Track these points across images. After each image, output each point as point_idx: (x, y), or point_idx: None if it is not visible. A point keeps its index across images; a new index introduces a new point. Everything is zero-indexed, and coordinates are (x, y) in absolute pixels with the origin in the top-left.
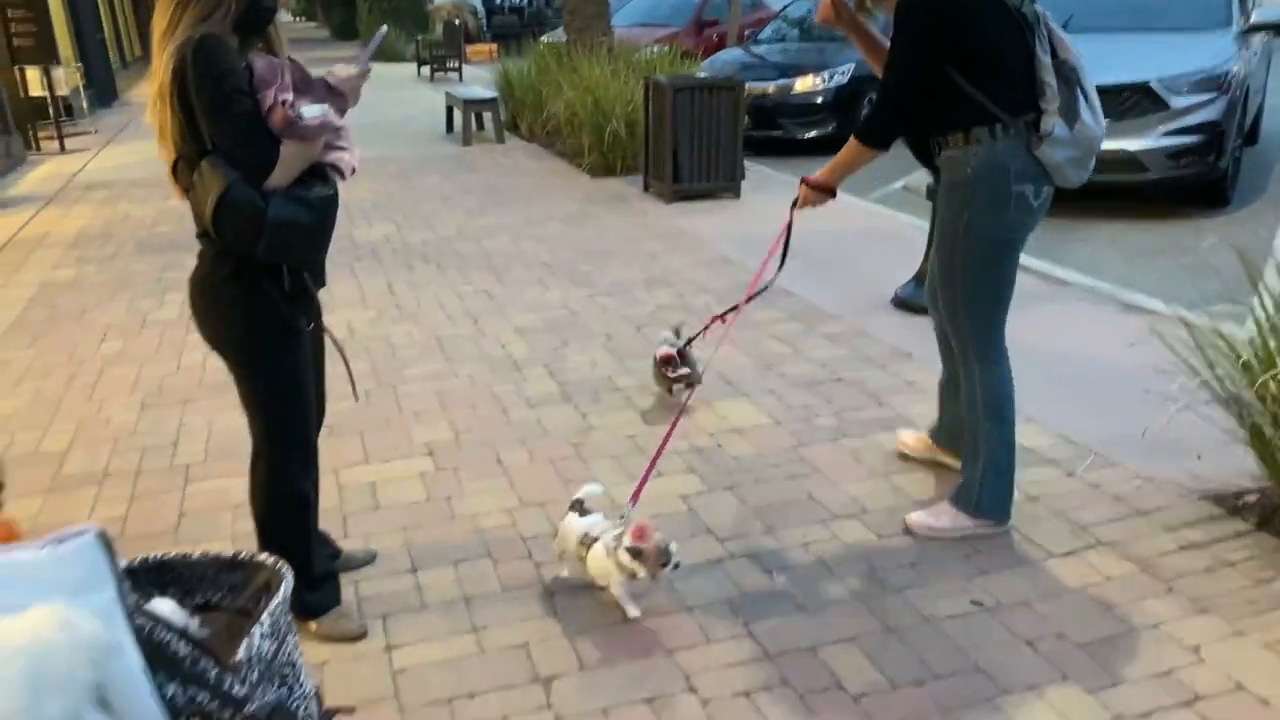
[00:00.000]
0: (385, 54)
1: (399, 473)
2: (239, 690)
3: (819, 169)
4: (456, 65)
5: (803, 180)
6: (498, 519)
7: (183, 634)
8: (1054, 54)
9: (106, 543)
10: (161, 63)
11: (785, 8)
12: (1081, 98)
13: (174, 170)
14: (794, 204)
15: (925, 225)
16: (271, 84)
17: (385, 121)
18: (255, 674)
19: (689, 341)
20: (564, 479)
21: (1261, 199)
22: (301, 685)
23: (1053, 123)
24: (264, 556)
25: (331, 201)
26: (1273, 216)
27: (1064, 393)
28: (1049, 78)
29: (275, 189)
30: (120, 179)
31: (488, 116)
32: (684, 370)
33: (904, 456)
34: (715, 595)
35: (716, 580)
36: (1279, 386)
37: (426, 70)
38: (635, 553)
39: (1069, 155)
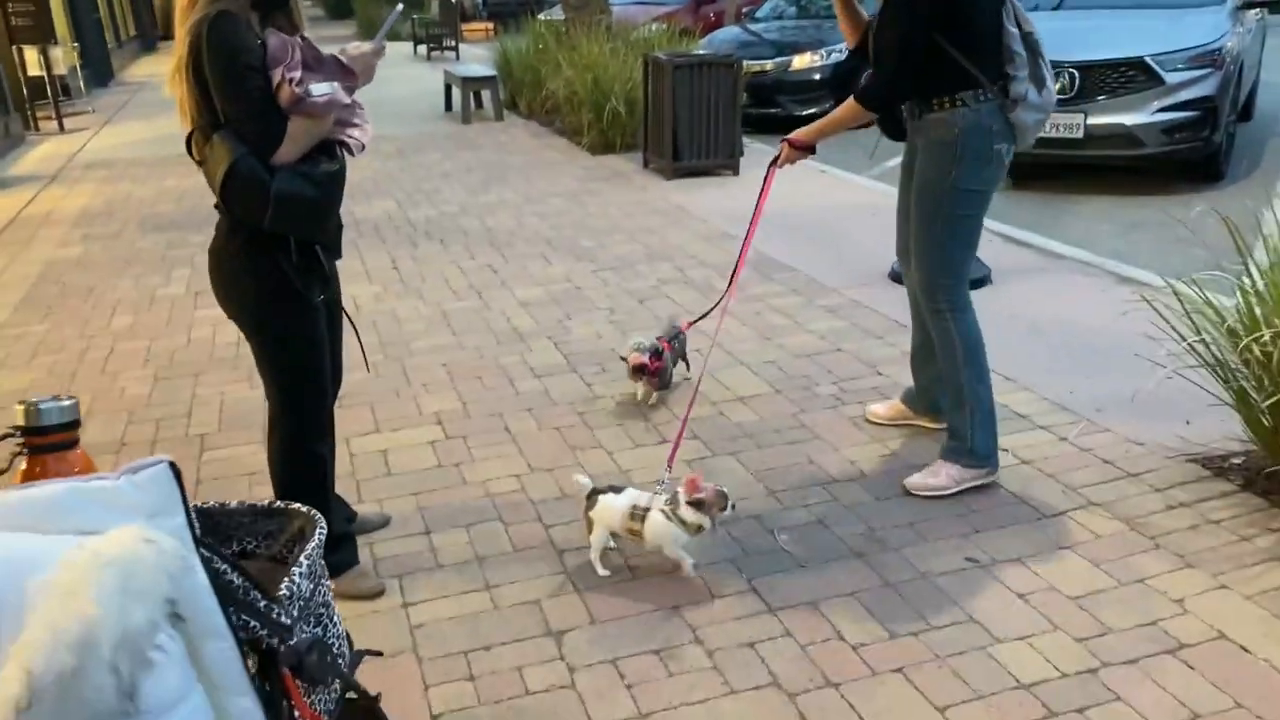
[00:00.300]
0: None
1: (409, 440)
2: (286, 620)
3: (820, 146)
4: (453, 44)
5: (784, 139)
6: (507, 484)
7: (235, 565)
8: (1019, 25)
9: (176, 472)
10: (180, 36)
11: None
12: (1043, 65)
13: (190, 141)
14: (773, 161)
15: None
16: (282, 61)
17: (383, 100)
18: (296, 610)
19: (677, 334)
20: (571, 446)
21: (1255, 174)
22: (335, 625)
23: (1025, 88)
24: (297, 505)
25: (336, 177)
26: (1265, 191)
27: (1057, 361)
28: (1018, 47)
29: (282, 164)
30: (120, 158)
31: (486, 95)
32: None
33: (875, 426)
34: (720, 554)
35: (721, 540)
36: (1263, 351)
37: (423, 49)
38: (698, 504)
39: (1037, 118)
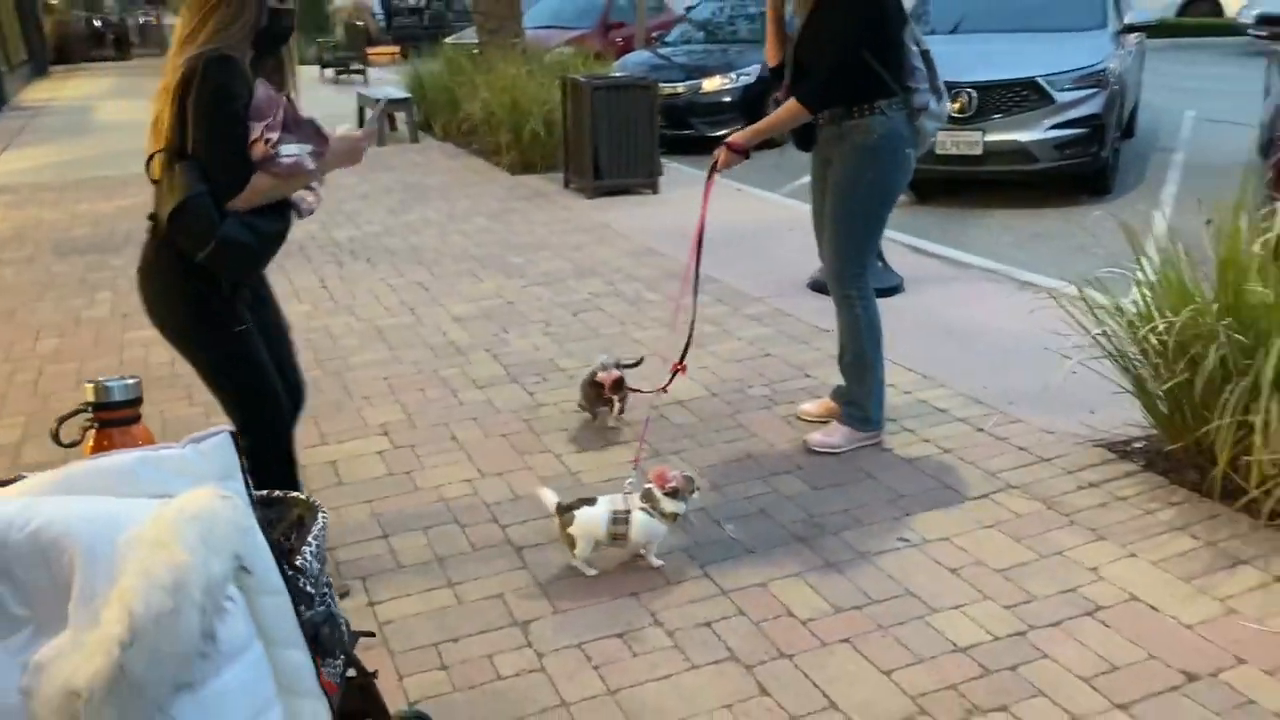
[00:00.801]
0: None
1: (357, 451)
2: (310, 589)
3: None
4: (360, 67)
5: (723, 143)
6: (460, 488)
7: (267, 535)
8: (917, 44)
9: (236, 441)
10: (176, 64)
11: (689, 10)
12: (938, 78)
13: (149, 161)
14: (712, 167)
15: None
16: (265, 118)
17: None
18: (310, 583)
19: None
20: (519, 451)
21: (1140, 187)
22: (336, 605)
23: (927, 99)
24: (296, 494)
25: (280, 236)
26: (1149, 202)
27: (972, 360)
28: (918, 63)
29: (233, 209)
30: (24, 183)
31: (400, 117)
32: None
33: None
34: (673, 545)
35: (672, 532)
36: (1159, 339)
37: (330, 72)
38: (674, 493)
39: (936, 126)
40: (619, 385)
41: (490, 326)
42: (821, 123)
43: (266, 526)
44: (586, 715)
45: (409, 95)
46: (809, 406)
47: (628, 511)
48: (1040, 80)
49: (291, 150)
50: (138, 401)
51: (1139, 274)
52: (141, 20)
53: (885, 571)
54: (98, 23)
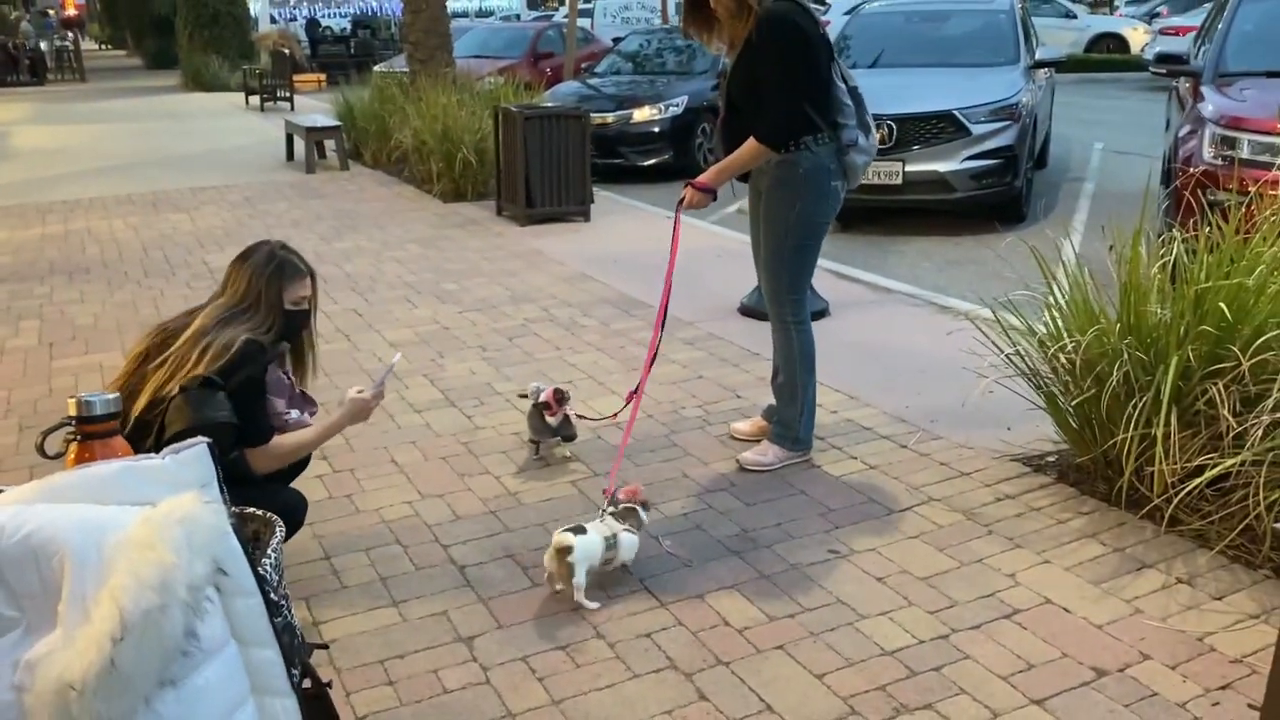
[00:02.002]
0: (208, 84)
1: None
2: (274, 597)
3: (663, 194)
4: (287, 94)
5: (688, 183)
6: (400, 510)
7: (241, 541)
8: (844, 80)
9: (213, 451)
10: (200, 351)
11: (618, 43)
12: (866, 114)
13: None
14: (679, 204)
15: None
16: (279, 397)
17: (221, 150)
18: (272, 593)
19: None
20: (459, 473)
21: (1052, 215)
22: (293, 616)
23: (855, 134)
24: (253, 510)
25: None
26: (1060, 229)
27: (894, 380)
28: (846, 99)
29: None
30: None
31: (330, 144)
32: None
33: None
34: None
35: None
36: (1067, 359)
37: (255, 100)
38: (644, 505)
39: (865, 160)
40: (561, 397)
41: (427, 351)
42: None
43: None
44: None
45: (339, 123)
46: (741, 425)
47: (615, 535)
48: (956, 113)
49: (294, 415)
50: (118, 415)
51: (1049, 297)
52: (58, 45)
53: (816, 581)
54: (12, 48)
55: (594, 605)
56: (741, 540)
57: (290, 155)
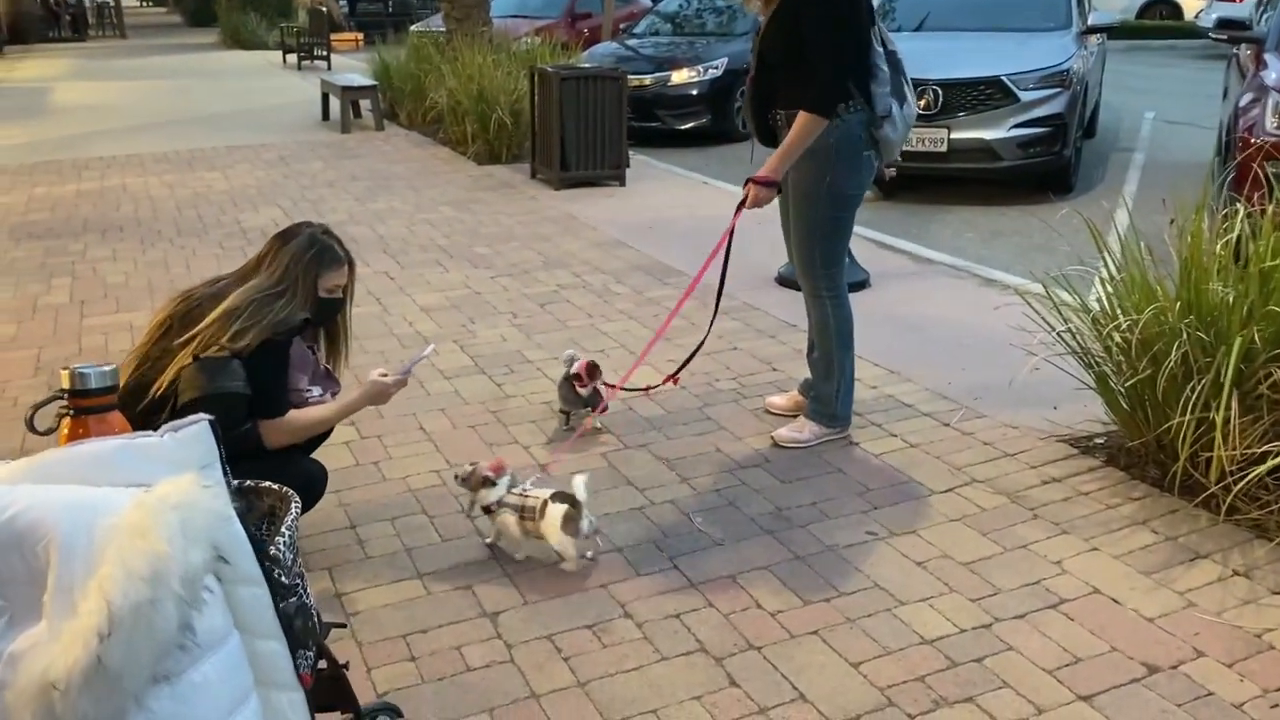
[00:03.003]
0: (246, 42)
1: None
2: (286, 580)
3: (699, 159)
4: (325, 54)
5: (749, 180)
6: (427, 479)
7: (243, 524)
8: (883, 44)
9: (215, 429)
10: (232, 336)
11: (657, 3)
12: (905, 82)
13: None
14: (740, 205)
15: None
16: (303, 373)
17: (257, 109)
18: (284, 576)
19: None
20: (488, 442)
21: (1099, 186)
22: (308, 595)
23: (888, 103)
24: (268, 484)
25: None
26: (1109, 201)
27: (936, 355)
28: (883, 64)
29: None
30: None
31: (365, 104)
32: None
33: (774, 416)
34: (641, 537)
35: (641, 524)
36: (1123, 337)
37: (293, 58)
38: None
39: (899, 134)
40: (594, 370)
41: (458, 317)
42: (780, 123)
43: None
44: (556, 707)
45: (375, 83)
46: (777, 400)
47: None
48: (1005, 79)
49: (316, 392)
50: (115, 389)
51: (1102, 271)
52: (99, 1)
53: (853, 564)
54: (54, 4)
55: (572, 567)
56: (775, 519)
57: (326, 115)
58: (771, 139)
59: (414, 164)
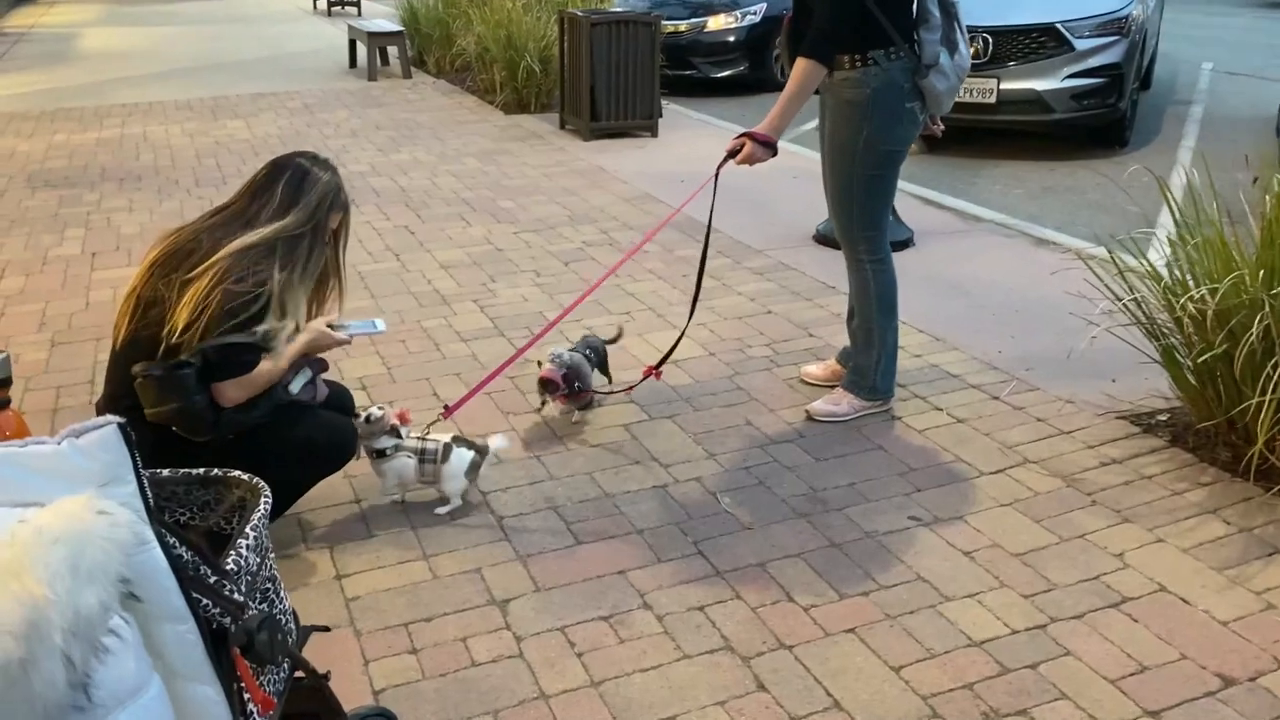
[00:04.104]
0: None
1: None
2: (238, 597)
3: (736, 110)
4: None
5: (744, 133)
6: None
7: (181, 537)
8: None
9: (127, 435)
10: (221, 265)
11: None
12: (958, 29)
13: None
14: (727, 156)
15: None
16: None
17: (284, 55)
18: (244, 585)
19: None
20: (504, 411)
21: (1155, 141)
22: (282, 601)
23: (937, 50)
24: (238, 474)
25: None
26: (1165, 157)
27: (983, 321)
28: (933, 7)
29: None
30: (0, 112)
31: (393, 51)
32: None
33: (810, 386)
34: (664, 518)
35: (664, 504)
36: (1197, 308)
37: (323, 3)
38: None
39: (949, 85)
40: (546, 385)
41: (478, 275)
42: None
43: (200, 511)
44: (567, 709)
45: (402, 29)
46: (813, 369)
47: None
48: (1060, 26)
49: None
50: (7, 383)
51: (1170, 235)
52: None
53: (893, 553)
54: None
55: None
56: (809, 501)
57: (353, 62)
58: None
59: (440, 113)
